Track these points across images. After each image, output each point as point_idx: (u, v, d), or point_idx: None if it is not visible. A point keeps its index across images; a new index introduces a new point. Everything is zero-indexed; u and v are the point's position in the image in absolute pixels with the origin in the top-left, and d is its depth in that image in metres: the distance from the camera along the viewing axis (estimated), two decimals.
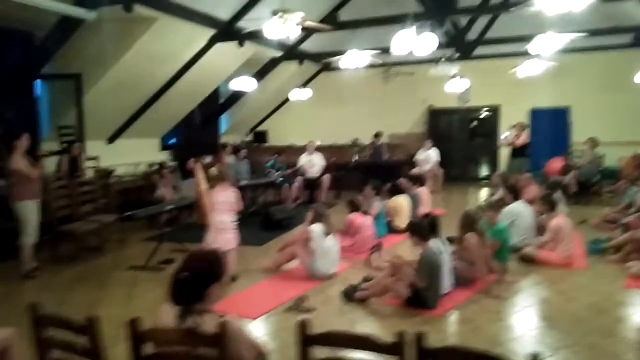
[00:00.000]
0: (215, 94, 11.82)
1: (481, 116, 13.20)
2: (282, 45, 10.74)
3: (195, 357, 1.96)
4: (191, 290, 2.04)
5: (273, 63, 11.31)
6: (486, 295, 4.72)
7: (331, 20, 8.83)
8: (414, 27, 5.20)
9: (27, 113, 8.05)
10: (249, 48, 9.75)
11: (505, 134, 10.71)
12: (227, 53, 9.38)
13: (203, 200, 7.92)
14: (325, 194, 10.15)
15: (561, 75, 11.51)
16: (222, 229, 5.18)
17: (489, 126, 13.00)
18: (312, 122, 13.35)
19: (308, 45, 11.31)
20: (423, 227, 4.62)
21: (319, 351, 2.11)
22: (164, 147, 11.19)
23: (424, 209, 8.17)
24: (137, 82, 8.49)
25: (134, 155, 9.89)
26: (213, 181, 5.37)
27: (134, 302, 4.85)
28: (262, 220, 7.78)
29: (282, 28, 5.62)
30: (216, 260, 2.15)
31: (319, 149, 11.60)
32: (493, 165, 12.85)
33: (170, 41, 8.13)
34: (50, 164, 7.77)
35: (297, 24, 5.62)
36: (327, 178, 10.13)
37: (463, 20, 10.16)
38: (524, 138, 10.38)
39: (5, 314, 4.36)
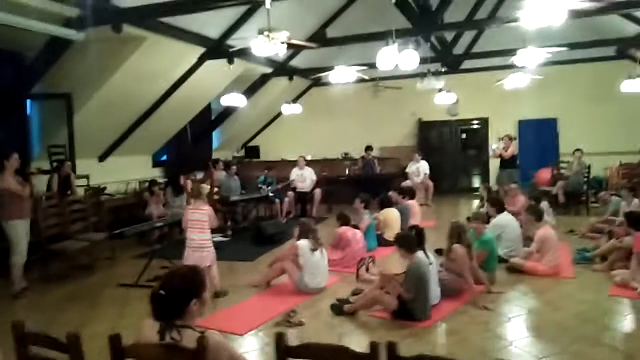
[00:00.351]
0: (207, 110, 11.92)
1: (471, 128, 13.33)
2: (272, 62, 10.88)
3: None
4: (170, 307, 2.09)
5: (264, 79, 11.43)
6: (474, 306, 4.76)
7: (320, 37, 8.95)
8: (396, 44, 5.30)
9: (18, 133, 8.09)
10: (240, 65, 9.84)
11: (494, 146, 10.83)
12: (217, 71, 9.48)
13: None
14: (317, 208, 10.21)
15: (548, 87, 11.70)
16: (195, 247, 5.19)
17: (479, 138, 13.14)
18: (303, 137, 13.46)
19: (298, 62, 11.46)
20: (410, 240, 4.67)
21: None
22: (156, 164, 11.24)
23: (415, 221, 8.23)
24: (127, 101, 8.55)
25: (126, 172, 9.91)
26: (189, 198, 5.41)
27: (124, 320, 4.85)
28: (253, 236, 7.82)
29: (268, 46, 5.71)
30: (194, 277, 2.19)
31: (311, 163, 11.71)
32: (484, 177, 12.96)
33: (159, 60, 8.22)
34: (41, 184, 7.83)
35: (283, 42, 5.71)
36: (318, 192, 10.20)
37: (449, 36, 10.32)
38: (512, 150, 10.51)
39: None
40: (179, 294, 2.10)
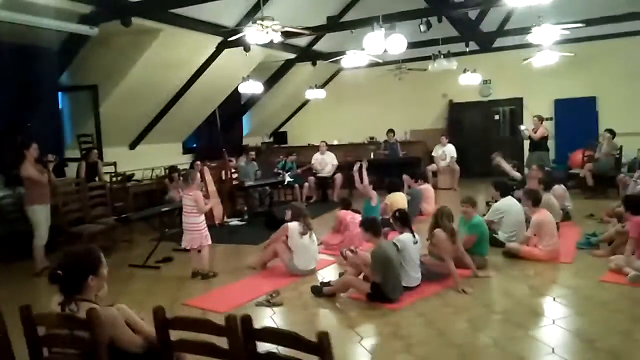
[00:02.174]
0: (236, 97, 12.21)
1: (504, 109, 12.90)
2: (294, 47, 11.00)
3: (74, 338, 2.22)
4: (68, 283, 2.32)
5: (287, 65, 11.57)
6: (456, 290, 4.75)
7: (333, 21, 8.96)
8: (382, 29, 5.28)
9: (51, 123, 8.70)
10: (261, 52, 10.05)
11: (522, 127, 10.47)
12: (237, 58, 9.69)
13: (211, 202, 8.32)
14: (338, 193, 10.30)
15: (585, 64, 11.18)
16: (187, 230, 5.47)
17: (513, 119, 12.70)
18: (330, 122, 13.54)
19: (321, 46, 11.50)
20: (376, 224, 4.74)
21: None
22: (186, 150, 11.69)
23: (428, 205, 8.22)
24: (150, 90, 8.96)
25: (156, 159, 10.38)
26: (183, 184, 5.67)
27: (123, 297, 5.17)
28: (265, 220, 8.04)
29: (262, 34, 5.84)
30: (88, 256, 2.41)
31: (336, 147, 11.81)
32: (518, 159, 12.53)
33: (177, 50, 8.53)
34: (72, 171, 8.43)
35: (276, 30, 5.83)
36: (339, 177, 10.29)
37: (473, 14, 10.02)
38: (542, 131, 10.13)
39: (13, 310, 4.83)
40: (74, 272, 2.32)
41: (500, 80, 12.37)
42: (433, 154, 11.45)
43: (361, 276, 4.79)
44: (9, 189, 7.27)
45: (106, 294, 2.63)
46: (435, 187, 11.17)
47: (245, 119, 13.36)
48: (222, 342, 2.14)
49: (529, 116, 11.66)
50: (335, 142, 12.32)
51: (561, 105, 12.00)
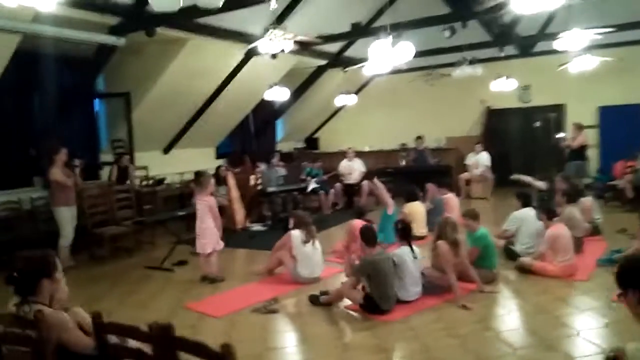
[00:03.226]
0: (270, 102, 12.36)
1: (546, 116, 12.38)
2: (325, 54, 11.03)
3: (24, 337, 2.33)
4: (23, 286, 2.43)
5: (319, 71, 11.63)
6: (455, 305, 4.61)
7: (356, 28, 8.92)
8: (390, 37, 5.22)
9: (87, 129, 9.15)
10: (291, 58, 10.15)
11: (560, 135, 10.01)
12: (267, 65, 9.81)
13: (234, 206, 8.48)
14: (365, 200, 10.21)
15: (632, 69, 10.59)
16: (200, 234, 5.57)
17: (554, 126, 12.17)
18: (363, 128, 13.45)
19: (355, 52, 11.47)
20: (369, 233, 4.67)
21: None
22: (220, 155, 11.95)
23: (453, 215, 8.01)
24: (180, 97, 9.23)
25: (190, 164, 10.63)
26: (197, 189, 5.78)
27: (131, 297, 5.40)
28: (284, 226, 8.08)
29: (272, 44, 5.91)
30: (42, 260, 2.51)
31: (368, 154, 11.73)
32: (560, 168, 12.00)
33: (205, 59, 8.76)
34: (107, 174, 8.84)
35: (287, 39, 5.88)
36: (366, 184, 10.19)
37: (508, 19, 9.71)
38: (581, 139, 9.70)
39: None
40: (28, 275, 2.43)
41: (540, 86, 11.89)
42: (466, 161, 11.15)
43: (360, 286, 4.74)
44: (45, 191, 7.70)
45: (67, 297, 2.72)
46: (468, 196, 10.98)
47: (279, 124, 13.52)
48: None
49: (571, 123, 11.18)
50: (367, 149, 12.24)
51: (606, 113, 11.40)
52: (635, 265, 1.69)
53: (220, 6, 3.58)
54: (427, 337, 4.00)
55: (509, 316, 4.42)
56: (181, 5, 3.46)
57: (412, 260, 4.72)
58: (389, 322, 4.31)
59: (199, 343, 1.99)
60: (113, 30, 7.20)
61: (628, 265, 1.71)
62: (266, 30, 5.90)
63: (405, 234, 4.87)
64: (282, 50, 6.04)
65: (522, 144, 12.54)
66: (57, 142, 7.39)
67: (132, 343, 2.31)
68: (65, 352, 2.39)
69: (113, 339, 2.35)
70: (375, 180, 7.07)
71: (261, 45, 5.99)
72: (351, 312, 4.59)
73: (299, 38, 5.95)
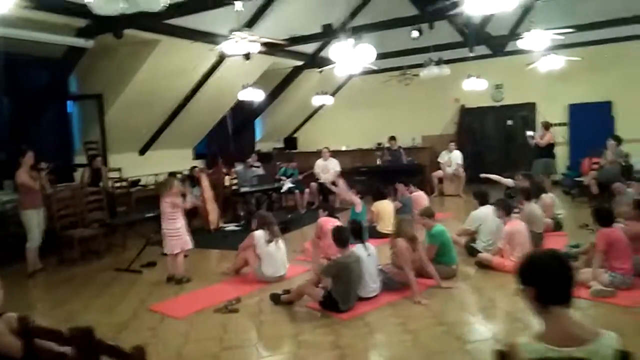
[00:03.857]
0: (247, 103, 12.40)
1: (517, 114, 12.59)
2: (300, 54, 11.12)
3: None
4: None
5: (295, 72, 11.71)
6: (412, 300, 4.73)
7: (327, 29, 9.02)
8: (351, 39, 5.32)
9: (61, 130, 9.15)
10: (265, 60, 10.21)
11: (529, 133, 10.22)
12: (242, 66, 9.84)
13: (207, 207, 8.52)
14: (340, 199, 10.32)
15: (599, 68, 10.87)
16: (166, 235, 5.63)
17: (526, 124, 12.38)
18: (341, 128, 13.60)
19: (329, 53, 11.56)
20: (341, 235, 4.76)
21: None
22: (197, 156, 11.98)
23: None
24: (154, 99, 9.26)
25: (167, 165, 10.65)
26: (161, 190, 5.83)
27: (98, 300, 5.43)
28: (248, 226, 8.15)
29: (237, 46, 5.98)
30: None
31: (345, 153, 11.84)
32: (531, 166, 12.21)
33: (178, 59, 8.79)
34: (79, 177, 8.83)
35: (252, 41, 5.95)
36: (341, 183, 10.28)
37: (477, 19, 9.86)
38: (549, 137, 9.89)
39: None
40: None
41: (512, 85, 12.12)
42: (439, 160, 11.32)
43: (321, 285, 4.82)
44: (15, 194, 7.68)
45: (1, 303, 2.77)
46: (441, 194, 11.15)
47: (258, 124, 13.58)
48: None
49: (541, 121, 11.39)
50: (344, 148, 12.35)
51: (576, 110, 11.66)
52: (530, 264, 1.79)
53: (162, 8, 3.55)
54: (382, 332, 4.11)
55: (462, 311, 4.53)
56: (122, 7, 3.46)
57: (367, 257, 4.82)
58: (346, 320, 4.40)
59: (113, 346, 2.07)
60: (81, 33, 7.22)
61: (524, 264, 1.81)
62: (231, 32, 5.95)
63: (358, 233, 4.98)
64: (247, 53, 6.09)
65: (495, 142, 12.76)
66: (25, 145, 7.40)
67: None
68: None
69: (41, 342, 2.41)
70: (339, 181, 7.18)
71: (226, 47, 6.05)
72: (311, 310, 4.68)
73: (264, 40, 6.02)
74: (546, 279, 1.72)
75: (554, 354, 1.64)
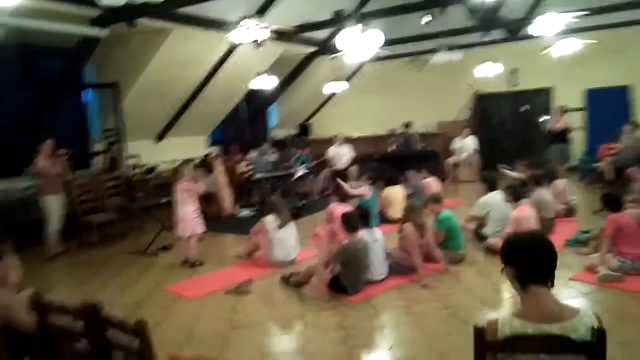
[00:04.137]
0: (262, 90, 12.49)
1: (533, 99, 12.43)
2: (313, 41, 11.13)
3: None
4: None
5: (309, 59, 11.73)
6: (418, 284, 4.81)
7: (338, 15, 9.00)
8: (359, 25, 5.34)
9: (78, 119, 9.37)
10: (279, 46, 10.26)
11: (544, 118, 10.11)
12: (254, 53, 9.90)
13: (222, 193, 8.68)
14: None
15: (617, 51, 10.65)
16: (179, 219, 5.79)
17: (542, 110, 12.23)
18: (355, 114, 13.58)
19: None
20: (351, 220, 4.84)
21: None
22: (214, 142, 12.12)
23: None
24: (168, 87, 9.38)
25: (182, 152, 10.78)
26: (177, 177, 5.98)
27: (113, 280, 5.64)
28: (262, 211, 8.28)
29: (249, 33, 6.05)
30: None
31: (359, 140, 11.88)
32: (546, 152, 12.09)
33: (191, 47, 8.89)
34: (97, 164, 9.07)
35: (262, 29, 6.02)
36: (354, 169, 10.35)
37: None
38: (563, 122, 9.78)
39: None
40: None
41: (528, 70, 11.93)
42: (453, 146, 11.28)
43: (330, 268, 4.92)
44: (35, 180, 7.93)
45: (18, 279, 2.93)
46: (455, 180, 11.13)
47: (273, 111, 13.66)
48: None
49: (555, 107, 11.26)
50: (357, 135, 12.38)
51: (593, 95, 11.46)
52: (511, 245, 1.86)
53: None
54: (387, 314, 4.21)
55: (468, 295, 4.60)
56: None
57: (373, 242, 4.90)
58: (353, 302, 4.50)
59: (118, 320, 2.19)
60: (95, 22, 7.35)
61: (506, 244, 1.88)
62: (241, 19, 6.02)
63: (364, 218, 5.05)
64: (256, 40, 6.15)
65: (511, 127, 12.63)
66: (44, 133, 7.62)
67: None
68: (11, 331, 2.60)
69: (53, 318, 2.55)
70: (338, 180, 7.30)
71: (236, 34, 6.12)
72: (319, 292, 4.79)
73: (274, 27, 6.08)
74: (525, 259, 1.79)
75: (532, 329, 1.71)
